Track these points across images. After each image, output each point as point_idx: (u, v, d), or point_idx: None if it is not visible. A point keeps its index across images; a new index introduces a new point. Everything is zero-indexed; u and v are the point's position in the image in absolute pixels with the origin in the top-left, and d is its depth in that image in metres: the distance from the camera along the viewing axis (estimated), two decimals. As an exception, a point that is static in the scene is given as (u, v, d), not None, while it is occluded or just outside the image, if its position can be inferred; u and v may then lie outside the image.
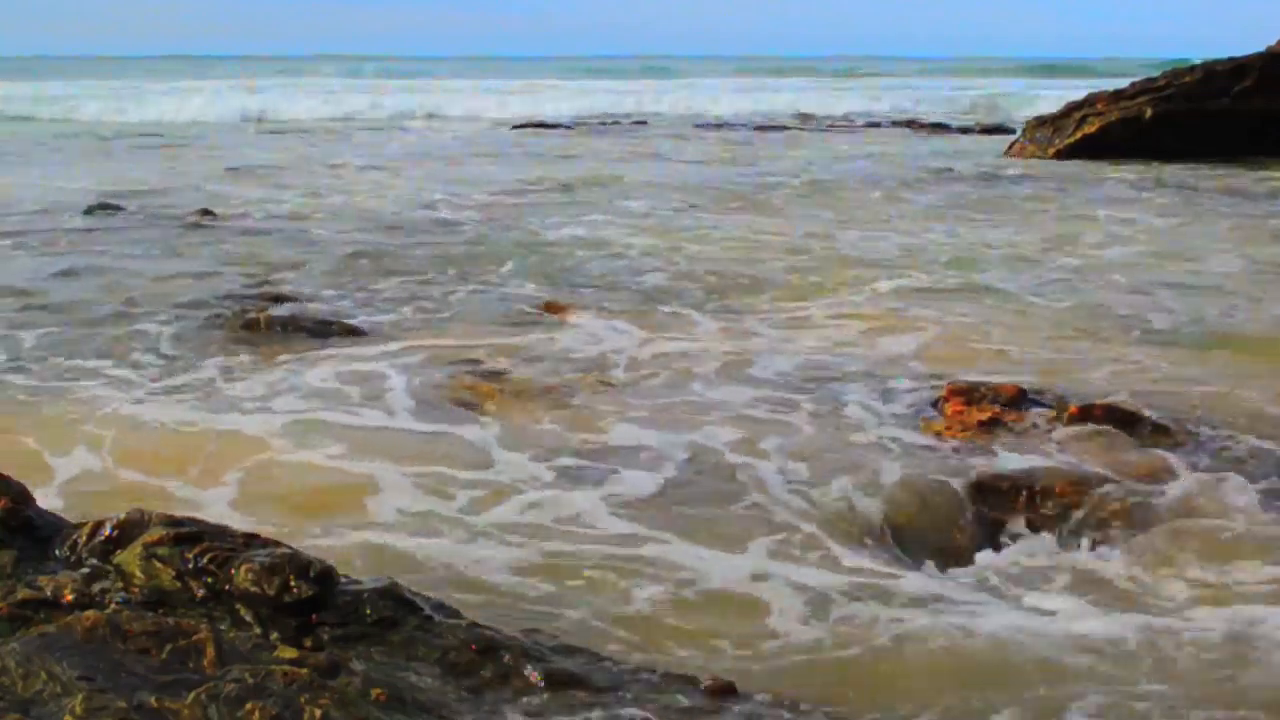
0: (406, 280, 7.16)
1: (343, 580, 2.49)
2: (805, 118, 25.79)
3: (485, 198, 11.10)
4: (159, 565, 2.44)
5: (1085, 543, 3.50)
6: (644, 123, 23.62)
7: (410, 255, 8.01)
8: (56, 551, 2.55)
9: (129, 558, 2.46)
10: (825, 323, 6.16)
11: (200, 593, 2.40)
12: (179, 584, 2.41)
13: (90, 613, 2.26)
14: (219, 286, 6.85)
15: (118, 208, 9.95)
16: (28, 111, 26.88)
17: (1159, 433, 4.20)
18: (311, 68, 53.08)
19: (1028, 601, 3.09)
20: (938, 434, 4.22)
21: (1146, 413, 4.35)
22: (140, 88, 34.09)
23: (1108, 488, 3.81)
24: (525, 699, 2.29)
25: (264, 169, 13.78)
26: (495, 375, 5.03)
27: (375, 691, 2.15)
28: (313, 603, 2.40)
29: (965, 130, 21.52)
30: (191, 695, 2.05)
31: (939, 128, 22.26)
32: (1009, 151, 15.98)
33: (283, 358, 5.36)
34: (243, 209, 10.17)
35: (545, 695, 2.30)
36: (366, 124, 24.08)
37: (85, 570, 2.46)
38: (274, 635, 2.32)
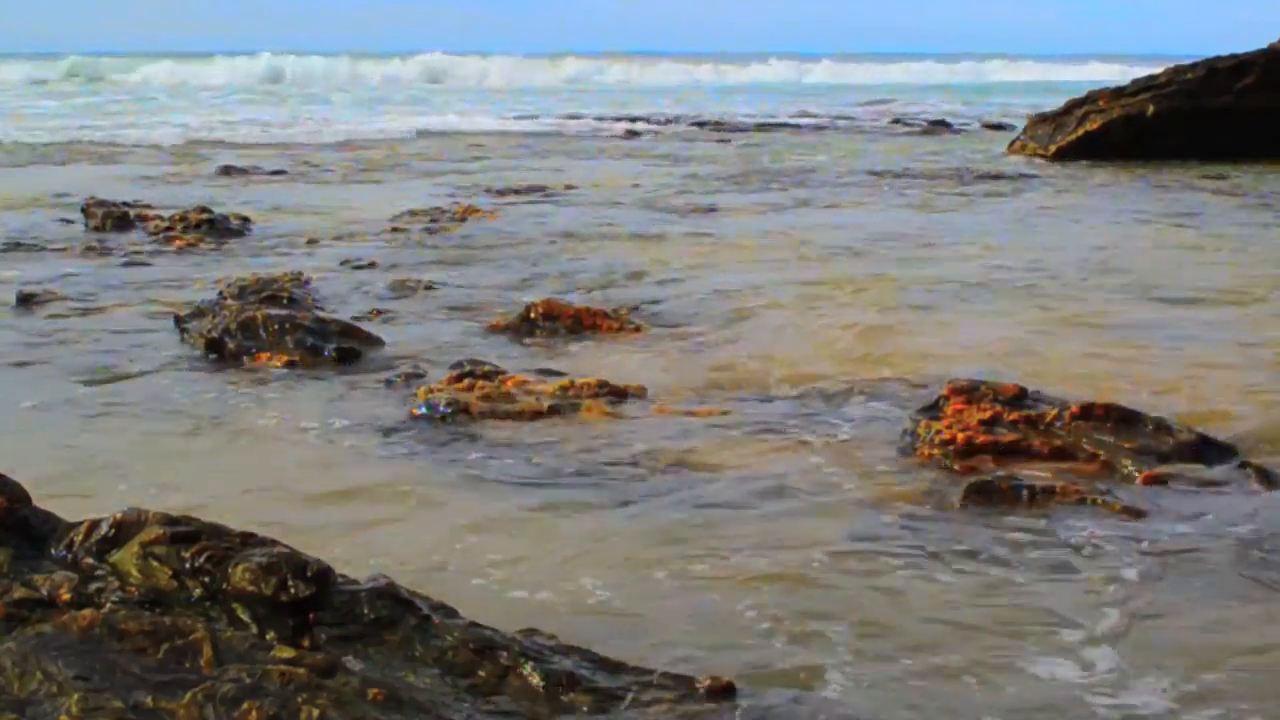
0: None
1: (340, 580, 2.48)
2: (805, 116, 25.76)
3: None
4: (155, 564, 2.43)
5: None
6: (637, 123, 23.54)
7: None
8: (53, 550, 2.54)
9: (125, 557, 2.45)
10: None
11: (197, 592, 2.39)
12: (176, 583, 2.40)
13: (86, 612, 2.25)
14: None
15: None
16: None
17: (1161, 432, 4.19)
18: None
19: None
20: (937, 433, 4.20)
21: (1148, 413, 4.33)
22: None
23: (1108, 488, 3.80)
24: (523, 699, 2.28)
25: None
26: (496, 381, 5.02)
27: (373, 691, 2.14)
28: (310, 602, 2.39)
29: (965, 128, 21.49)
30: (188, 695, 2.05)
31: (939, 125, 22.23)
32: (1010, 149, 15.97)
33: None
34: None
35: (543, 695, 2.29)
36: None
37: (82, 570, 2.46)
38: (271, 635, 2.31)
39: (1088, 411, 4.25)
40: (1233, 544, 3.39)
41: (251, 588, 2.37)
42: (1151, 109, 14.72)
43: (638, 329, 5.94)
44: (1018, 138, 16.38)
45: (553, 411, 4.56)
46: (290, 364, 5.24)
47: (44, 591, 2.35)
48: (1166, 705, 2.57)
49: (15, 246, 8.24)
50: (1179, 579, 3.19)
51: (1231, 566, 3.26)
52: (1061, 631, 2.89)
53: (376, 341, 5.59)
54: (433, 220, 9.50)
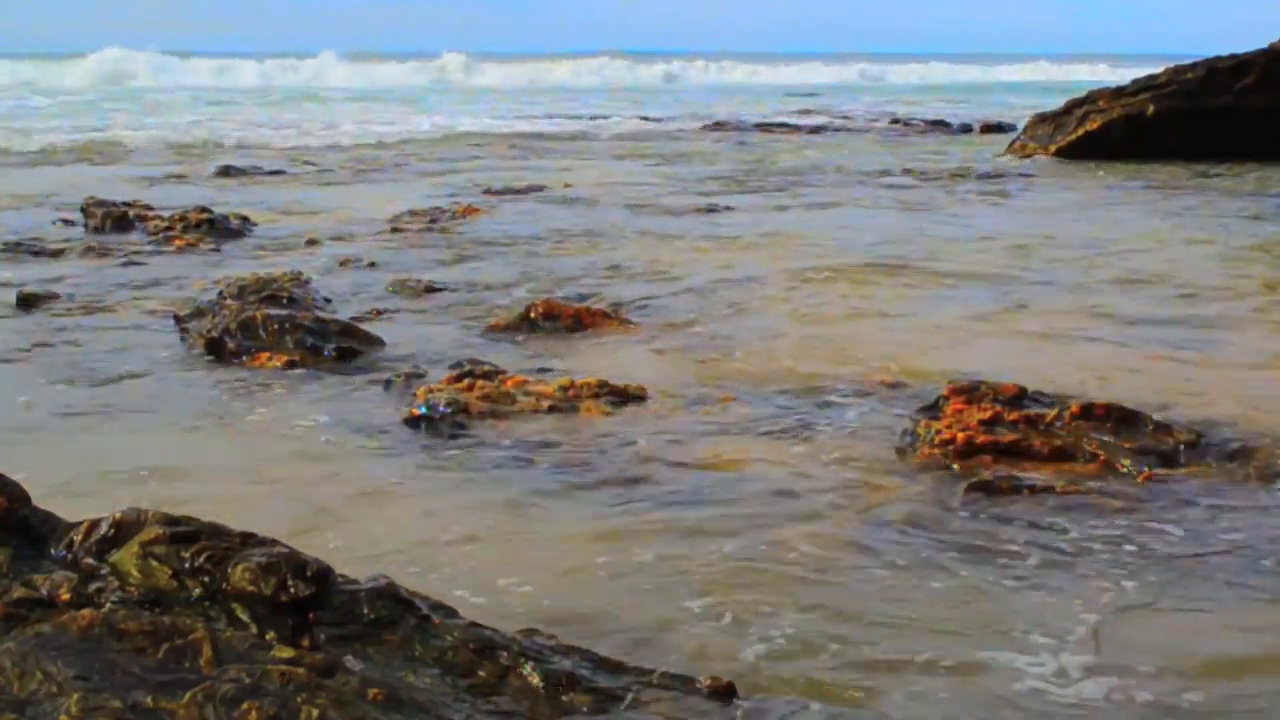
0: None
1: (340, 580, 2.48)
2: (805, 115, 25.77)
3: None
4: (155, 564, 2.43)
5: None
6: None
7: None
8: (52, 550, 2.54)
9: (125, 557, 2.45)
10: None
11: (197, 592, 2.39)
12: (175, 583, 2.40)
13: (86, 612, 2.25)
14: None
15: None
16: None
17: (1161, 432, 4.19)
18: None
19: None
20: (937, 432, 4.20)
21: (1148, 412, 4.33)
22: None
23: (1108, 488, 3.80)
24: (523, 700, 2.28)
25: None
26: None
27: (372, 691, 2.14)
28: (310, 602, 2.38)
29: (965, 128, 21.48)
30: (188, 695, 2.04)
31: (938, 125, 22.21)
32: (1010, 149, 15.97)
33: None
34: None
35: (543, 695, 2.29)
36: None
37: (81, 569, 2.45)
38: (270, 635, 2.31)
39: (1088, 411, 4.25)
40: (1231, 546, 3.39)
41: (251, 588, 2.37)
42: (1151, 109, 14.72)
43: (637, 328, 5.94)
44: (1018, 138, 16.39)
45: (553, 411, 4.56)
46: (290, 364, 5.24)
47: (44, 591, 2.35)
48: (1159, 708, 2.57)
49: (15, 247, 8.23)
50: (1177, 581, 3.19)
51: (1229, 568, 3.26)
52: (1056, 633, 2.88)
53: (376, 341, 5.58)
54: (432, 220, 9.50)
